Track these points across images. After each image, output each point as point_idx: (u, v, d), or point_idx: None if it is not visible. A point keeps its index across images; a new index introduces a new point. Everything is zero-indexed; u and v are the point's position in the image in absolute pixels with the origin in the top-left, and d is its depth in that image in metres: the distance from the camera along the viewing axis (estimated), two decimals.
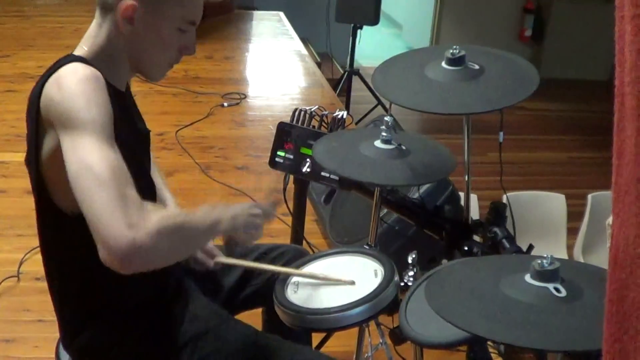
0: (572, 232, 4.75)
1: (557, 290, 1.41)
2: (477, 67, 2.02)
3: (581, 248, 4.74)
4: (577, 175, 6.81)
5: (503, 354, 3.22)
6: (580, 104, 8.77)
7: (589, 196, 4.72)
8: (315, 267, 2.16)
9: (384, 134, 2.11)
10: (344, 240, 3.62)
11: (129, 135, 1.86)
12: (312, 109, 2.68)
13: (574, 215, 4.76)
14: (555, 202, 4.75)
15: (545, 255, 1.44)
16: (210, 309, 2.16)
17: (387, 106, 7.06)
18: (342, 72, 7.61)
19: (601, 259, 4.63)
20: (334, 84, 7.09)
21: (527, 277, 1.44)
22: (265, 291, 2.36)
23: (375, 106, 7.16)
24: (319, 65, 7.40)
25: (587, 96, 9.07)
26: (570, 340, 1.33)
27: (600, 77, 9.67)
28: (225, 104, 5.76)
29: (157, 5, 1.80)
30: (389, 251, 2.46)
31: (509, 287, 1.44)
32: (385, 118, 2.10)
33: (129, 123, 1.91)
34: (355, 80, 7.28)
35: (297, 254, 2.45)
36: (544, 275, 1.42)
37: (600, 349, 1.44)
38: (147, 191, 2.00)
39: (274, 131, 2.75)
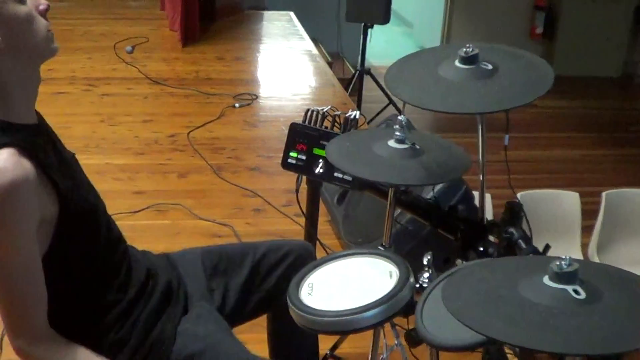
0: (586, 230, 4.72)
1: (576, 292, 1.39)
2: (490, 65, 2.00)
3: (596, 246, 4.71)
4: (591, 173, 6.78)
5: (519, 355, 3.19)
6: (592, 101, 8.73)
7: (604, 194, 4.69)
8: (329, 270, 2.14)
9: (397, 133, 2.09)
10: (358, 241, 3.61)
11: (58, 165, 1.86)
12: (325, 109, 2.66)
13: (588, 213, 4.73)
14: (569, 201, 4.72)
15: (563, 257, 1.42)
16: (211, 326, 2.14)
17: (399, 105, 7.05)
18: (353, 71, 7.59)
19: (616, 257, 4.60)
20: (345, 83, 7.07)
21: (546, 279, 1.42)
22: (271, 297, 2.35)
23: (387, 105, 7.14)
24: (330, 65, 7.38)
25: (599, 93, 9.03)
26: (590, 344, 1.31)
27: (612, 73, 9.63)
28: (237, 105, 5.74)
29: None
30: (402, 252, 2.44)
31: (527, 289, 1.42)
32: (399, 117, 2.08)
33: (54, 153, 1.90)
34: (367, 80, 7.27)
35: (302, 252, 2.43)
36: (562, 277, 1.40)
37: (619, 352, 1.43)
38: (92, 213, 1.99)
39: (286, 132, 2.73)
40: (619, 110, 8.67)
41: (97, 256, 1.97)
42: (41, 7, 1.84)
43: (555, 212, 4.61)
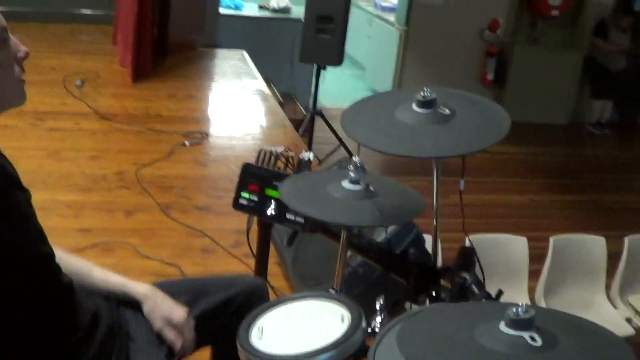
0: (532, 274, 4.76)
1: (532, 339, 1.37)
2: (447, 110, 1.99)
3: (543, 290, 4.75)
4: (539, 218, 6.85)
5: None
6: (541, 148, 8.85)
7: (551, 239, 4.75)
8: (280, 313, 2.10)
9: (351, 174, 2.07)
10: (307, 284, 3.57)
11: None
12: (278, 150, 2.64)
13: (534, 258, 4.78)
14: (517, 245, 4.76)
15: (520, 303, 1.40)
16: None
17: (350, 147, 7.07)
18: (304, 112, 7.60)
19: (563, 301, 4.64)
20: (297, 124, 7.07)
21: (502, 326, 1.40)
22: (217, 331, 2.30)
23: (338, 147, 7.16)
24: (281, 105, 7.38)
25: (548, 140, 9.16)
26: None
27: (561, 121, 9.78)
28: (187, 143, 5.70)
29: None
30: (352, 295, 2.41)
31: (483, 336, 1.40)
32: (353, 159, 2.07)
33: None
34: (318, 121, 7.27)
35: (252, 293, 2.39)
36: (519, 323, 1.38)
37: None
38: (39, 243, 1.91)
39: (237, 171, 2.70)
40: (567, 157, 8.79)
41: (40, 305, 1.89)
42: (19, 55, 1.80)
43: (503, 257, 4.64)
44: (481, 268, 2.18)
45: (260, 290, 2.45)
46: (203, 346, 2.43)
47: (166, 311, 2.18)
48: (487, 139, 1.92)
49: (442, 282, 2.25)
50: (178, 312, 2.18)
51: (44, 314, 1.89)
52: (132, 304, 2.24)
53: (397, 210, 2.08)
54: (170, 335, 2.15)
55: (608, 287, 4.90)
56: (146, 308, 2.19)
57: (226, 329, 2.23)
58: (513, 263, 4.70)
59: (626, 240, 4.86)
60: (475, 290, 2.08)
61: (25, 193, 1.90)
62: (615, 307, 4.78)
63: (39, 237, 1.90)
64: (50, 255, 1.93)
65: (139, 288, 2.22)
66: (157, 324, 2.16)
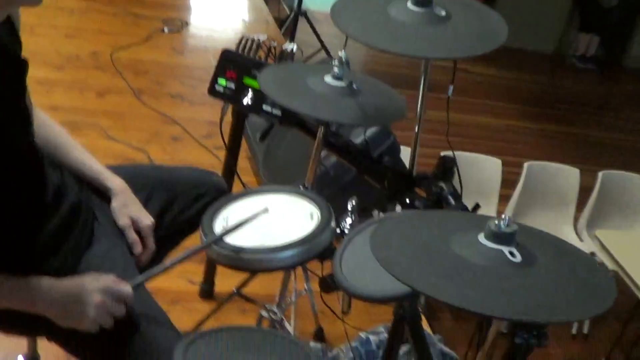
0: (502, 199, 4.74)
1: (512, 254, 1.31)
2: (444, 12, 1.90)
3: (511, 214, 4.72)
4: (514, 144, 6.81)
5: (424, 308, 3.14)
6: (523, 74, 8.75)
7: (526, 164, 4.72)
8: (248, 204, 2.02)
9: (335, 69, 1.98)
10: (277, 181, 3.50)
11: None
12: (261, 39, 2.53)
13: (507, 183, 4.75)
14: (491, 166, 4.73)
15: (503, 216, 1.34)
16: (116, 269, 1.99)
17: (332, 52, 6.92)
18: (288, 12, 7.42)
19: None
20: (280, 23, 6.91)
21: (481, 238, 1.33)
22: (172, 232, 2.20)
23: (319, 50, 7.00)
24: (265, 2, 7.21)
25: (530, 67, 9.06)
26: (520, 309, 1.23)
27: (546, 49, 9.67)
28: (166, 30, 5.55)
29: None
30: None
31: (461, 246, 1.33)
32: (339, 53, 1.97)
33: None
34: (301, 22, 7.10)
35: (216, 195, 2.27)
36: (500, 237, 1.31)
37: (547, 322, 1.36)
38: (19, 119, 1.80)
39: (214, 62, 2.59)
40: (548, 86, 8.70)
41: (8, 185, 1.78)
42: None
43: (476, 176, 4.60)
44: (460, 179, 2.11)
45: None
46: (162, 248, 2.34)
47: (135, 212, 2.07)
48: (482, 45, 1.84)
49: (418, 190, 2.19)
50: (146, 218, 2.06)
51: (11, 193, 1.79)
52: (101, 194, 2.14)
53: (379, 111, 2.01)
54: (132, 236, 2.05)
55: (576, 219, 4.89)
56: (116, 202, 2.08)
57: (184, 227, 2.16)
58: (485, 184, 4.66)
59: (600, 175, 4.82)
60: (452, 200, 2.01)
61: (20, 74, 1.84)
62: (581, 240, 4.77)
63: (20, 128, 1.79)
64: (32, 146, 1.82)
65: (116, 180, 2.11)
66: (122, 221, 2.05)
